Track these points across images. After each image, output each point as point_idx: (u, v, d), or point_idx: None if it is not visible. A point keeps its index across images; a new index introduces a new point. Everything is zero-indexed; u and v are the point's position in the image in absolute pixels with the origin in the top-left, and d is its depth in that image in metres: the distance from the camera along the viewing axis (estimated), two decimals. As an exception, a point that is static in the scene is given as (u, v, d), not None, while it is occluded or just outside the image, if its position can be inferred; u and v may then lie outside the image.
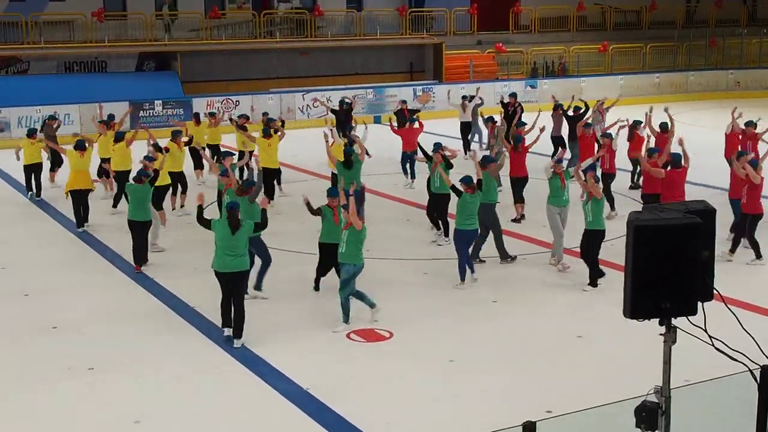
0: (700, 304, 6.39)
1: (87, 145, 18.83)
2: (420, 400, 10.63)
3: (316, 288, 14.56)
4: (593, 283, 14.50)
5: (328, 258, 13.90)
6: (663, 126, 19.95)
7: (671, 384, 6.61)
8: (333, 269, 14.11)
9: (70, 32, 35.64)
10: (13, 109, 30.77)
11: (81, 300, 14.50)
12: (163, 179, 17.66)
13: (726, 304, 6.84)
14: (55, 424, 10.17)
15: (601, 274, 14.53)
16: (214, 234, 12.40)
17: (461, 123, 27.14)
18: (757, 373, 6.91)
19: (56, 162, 22.68)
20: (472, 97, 27.18)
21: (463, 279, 14.69)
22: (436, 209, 17.49)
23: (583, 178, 14.64)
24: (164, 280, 15.24)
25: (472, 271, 14.87)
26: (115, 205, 20.01)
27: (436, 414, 10.28)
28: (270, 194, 19.80)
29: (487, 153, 20.03)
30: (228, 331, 12.51)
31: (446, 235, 17.00)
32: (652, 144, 19.69)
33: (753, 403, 7.06)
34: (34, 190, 21.57)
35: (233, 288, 12.33)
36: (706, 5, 48.38)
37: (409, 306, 13.91)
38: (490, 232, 15.80)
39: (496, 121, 22.83)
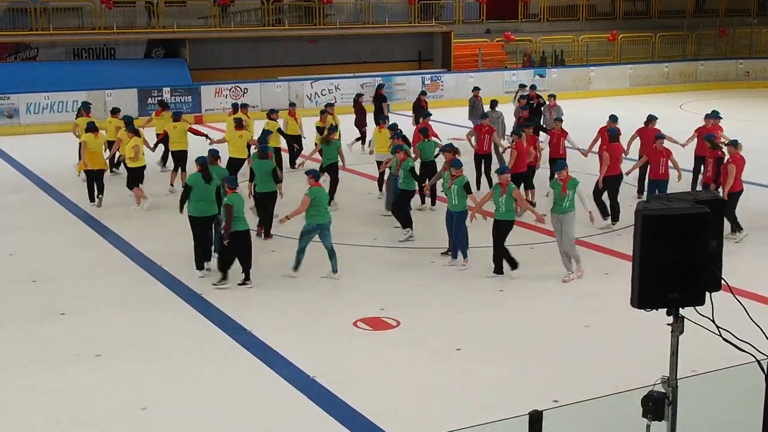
0: (707, 294, 6.37)
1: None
2: (426, 389, 10.64)
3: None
4: (498, 271, 14.62)
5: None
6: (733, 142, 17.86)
7: (678, 374, 6.60)
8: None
9: (79, 19, 35.67)
10: (22, 95, 30.83)
11: (89, 286, 14.54)
12: (140, 161, 18.97)
13: (734, 294, 6.82)
14: (63, 409, 10.20)
15: (501, 269, 14.59)
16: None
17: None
18: (765, 364, 6.89)
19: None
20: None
21: (465, 256, 15.09)
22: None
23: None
24: (171, 266, 15.26)
25: (465, 256, 15.15)
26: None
27: (443, 402, 10.29)
28: (131, 186, 19.73)
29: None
30: (201, 273, 14.47)
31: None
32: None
33: (760, 394, 7.04)
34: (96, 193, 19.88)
35: (207, 230, 14.55)
36: (716, -6, 48.27)
37: (416, 295, 13.92)
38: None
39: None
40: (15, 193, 21.48)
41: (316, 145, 20.66)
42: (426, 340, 12.09)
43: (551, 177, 19.36)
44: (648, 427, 6.66)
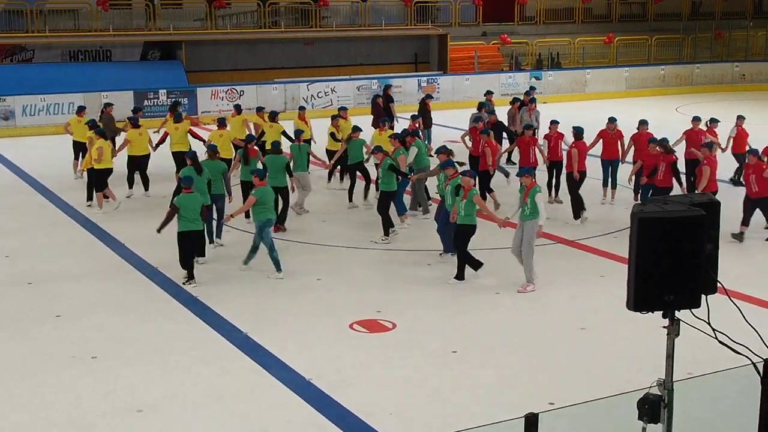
0: (703, 296, 6.38)
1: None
2: (423, 391, 10.64)
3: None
4: (459, 277, 14.47)
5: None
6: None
7: (674, 377, 6.61)
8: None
9: (75, 21, 35.66)
10: (18, 97, 30.81)
11: (85, 288, 14.52)
12: (105, 163, 18.86)
13: (730, 297, 6.83)
14: (59, 412, 10.18)
15: (463, 276, 14.49)
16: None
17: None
18: (761, 367, 6.90)
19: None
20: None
21: (447, 250, 15.32)
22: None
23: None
24: (166, 269, 15.25)
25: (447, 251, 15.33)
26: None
27: (439, 405, 10.29)
28: (130, 183, 20.27)
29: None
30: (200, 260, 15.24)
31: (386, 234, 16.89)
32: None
33: (756, 396, 7.06)
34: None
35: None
36: (712, -3, 48.34)
37: (412, 297, 13.92)
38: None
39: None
40: (10, 195, 21.45)
41: (327, 151, 20.68)
42: (422, 343, 12.09)
43: (549, 181, 19.54)
44: (644, 429, 6.66)
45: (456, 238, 14.51)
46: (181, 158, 20.08)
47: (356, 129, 19.94)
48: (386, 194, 16.93)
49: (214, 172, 16.25)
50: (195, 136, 21.30)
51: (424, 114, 25.21)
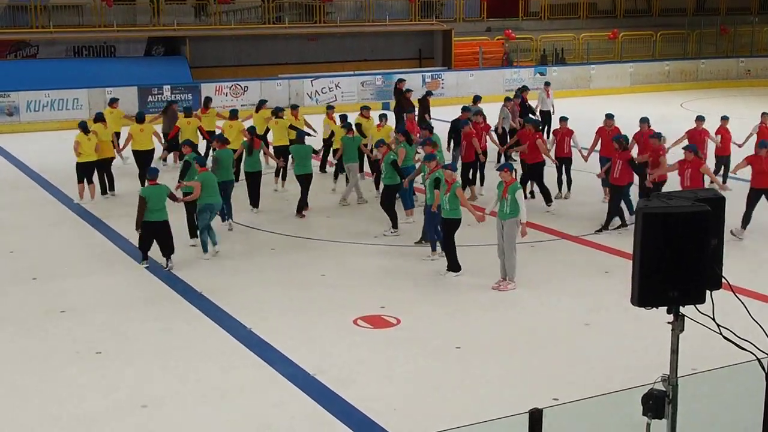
0: (708, 292, 6.37)
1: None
2: (426, 387, 10.63)
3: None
4: (452, 268, 14.54)
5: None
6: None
7: (678, 372, 6.59)
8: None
9: (79, 17, 35.71)
10: (22, 93, 30.84)
11: (89, 284, 14.53)
12: (85, 156, 19.38)
13: (734, 293, 6.82)
14: (63, 407, 10.20)
15: (457, 266, 14.50)
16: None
17: (541, 111, 26.46)
18: (765, 362, 6.88)
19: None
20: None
21: (434, 249, 15.36)
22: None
23: None
24: (173, 265, 15.25)
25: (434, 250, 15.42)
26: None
27: (443, 401, 10.29)
28: (142, 180, 20.13)
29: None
30: (193, 241, 16.09)
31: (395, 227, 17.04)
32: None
33: (760, 392, 7.04)
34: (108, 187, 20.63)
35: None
36: (717, -7, 48.27)
37: (416, 293, 13.91)
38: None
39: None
40: (15, 190, 21.48)
41: (336, 151, 20.72)
42: (426, 339, 12.09)
43: (559, 177, 19.47)
44: (648, 425, 6.66)
45: (443, 232, 14.60)
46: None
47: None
48: (388, 188, 16.96)
49: (225, 159, 17.10)
50: (203, 133, 21.67)
51: (424, 111, 25.26)
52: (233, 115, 21.40)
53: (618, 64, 41.33)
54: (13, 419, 9.94)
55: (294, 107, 22.97)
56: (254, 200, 18.79)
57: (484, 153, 19.90)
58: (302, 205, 18.38)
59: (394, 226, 16.91)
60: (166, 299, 13.80)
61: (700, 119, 20.18)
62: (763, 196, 16.40)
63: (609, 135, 19.01)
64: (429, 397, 10.37)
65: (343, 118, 20.52)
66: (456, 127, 20.45)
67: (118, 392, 10.55)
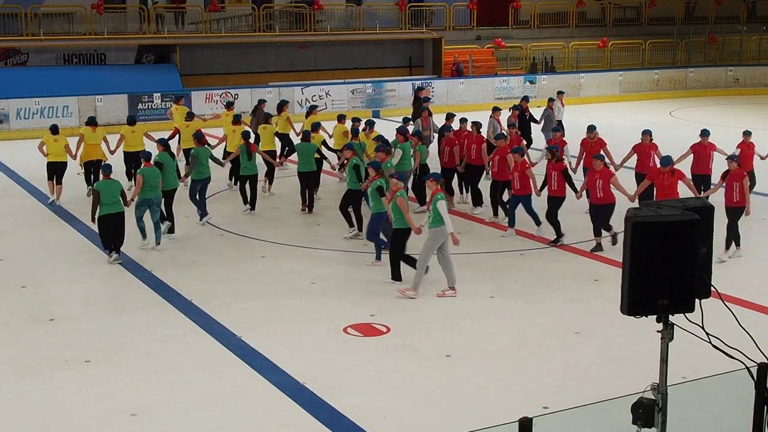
0: (697, 301, 6.39)
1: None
2: (416, 395, 10.63)
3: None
4: (393, 277, 14.61)
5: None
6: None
7: (668, 381, 6.61)
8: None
9: (70, 24, 35.65)
10: (12, 100, 30.79)
11: (78, 292, 14.50)
12: (52, 157, 20.24)
13: (723, 302, 6.84)
14: (52, 416, 10.16)
15: (397, 276, 14.58)
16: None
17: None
18: (754, 371, 6.91)
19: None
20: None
21: (377, 257, 15.49)
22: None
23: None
24: (160, 272, 15.24)
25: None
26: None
27: (433, 409, 10.29)
28: (129, 175, 21.23)
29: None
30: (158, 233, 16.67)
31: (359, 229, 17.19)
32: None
33: (749, 401, 7.06)
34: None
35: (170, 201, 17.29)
36: (706, 2, 48.47)
37: (406, 301, 13.90)
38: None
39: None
40: (4, 198, 21.43)
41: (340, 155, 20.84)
42: (416, 347, 12.09)
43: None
44: (638, 434, 6.67)
45: (391, 242, 14.68)
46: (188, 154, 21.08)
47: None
48: (350, 192, 17.09)
49: (202, 156, 18.08)
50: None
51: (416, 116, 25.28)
52: (236, 120, 21.66)
53: (607, 73, 41.45)
54: (2, 428, 9.90)
55: (312, 108, 23.49)
56: (252, 202, 19.21)
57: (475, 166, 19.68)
58: (304, 199, 19.18)
59: (351, 225, 17.21)
60: (155, 306, 13.77)
61: (704, 134, 19.05)
62: None
63: (591, 147, 18.93)
64: (419, 406, 10.36)
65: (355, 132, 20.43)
66: (441, 134, 20.47)
67: (108, 400, 10.52)
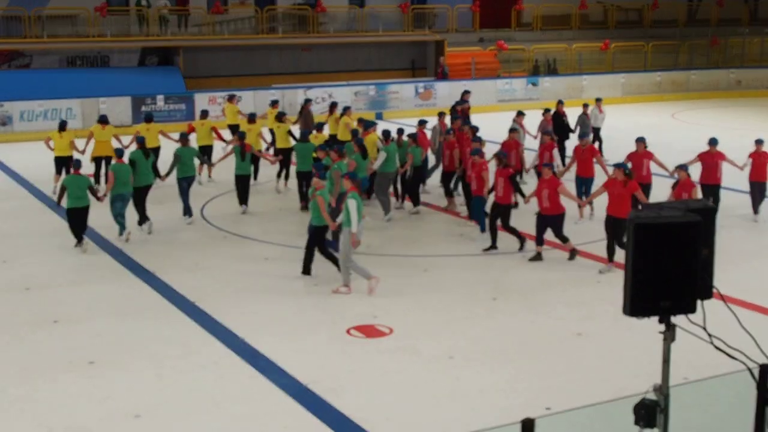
0: (699, 302, 6.41)
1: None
2: (419, 397, 10.65)
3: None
4: (303, 271, 14.98)
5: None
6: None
7: (670, 382, 6.63)
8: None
9: (73, 27, 35.69)
10: (16, 103, 30.82)
11: (82, 294, 14.53)
12: (62, 150, 21.29)
13: (725, 303, 6.86)
14: (55, 417, 10.19)
15: (307, 270, 14.92)
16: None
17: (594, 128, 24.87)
18: (756, 372, 6.93)
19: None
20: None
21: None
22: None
23: None
24: (164, 274, 15.28)
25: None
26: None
27: (436, 410, 10.31)
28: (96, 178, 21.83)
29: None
30: (124, 236, 17.27)
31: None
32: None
33: (751, 402, 7.08)
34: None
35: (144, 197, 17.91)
36: (708, 4, 48.44)
37: (409, 303, 13.94)
38: None
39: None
40: (8, 200, 21.47)
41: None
42: (419, 348, 12.11)
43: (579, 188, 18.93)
44: (640, 434, 6.69)
45: (309, 239, 14.90)
46: (205, 151, 22.44)
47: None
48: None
49: (187, 156, 18.85)
50: (216, 133, 22.92)
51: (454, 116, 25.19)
52: (251, 118, 22.57)
53: (610, 75, 41.44)
54: (5, 429, 9.94)
55: (346, 109, 23.79)
56: (244, 199, 19.58)
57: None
58: (303, 196, 19.36)
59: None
60: (158, 308, 13.80)
61: (712, 143, 18.36)
62: None
63: (583, 154, 18.76)
64: (421, 407, 10.39)
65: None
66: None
67: (111, 402, 10.54)
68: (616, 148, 19.88)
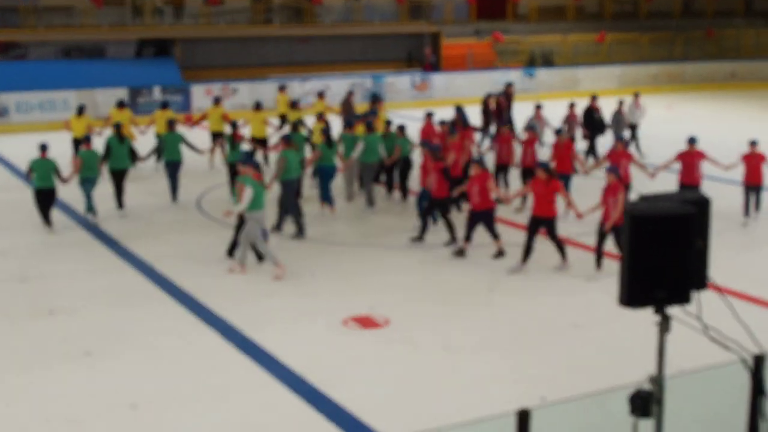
0: (694, 292, 6.45)
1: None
2: (415, 387, 10.69)
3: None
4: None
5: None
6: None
7: (665, 372, 6.67)
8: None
9: (69, 18, 35.61)
10: (12, 94, 30.78)
11: (78, 284, 14.55)
12: (80, 132, 21.79)
13: (720, 293, 6.90)
14: (52, 408, 10.22)
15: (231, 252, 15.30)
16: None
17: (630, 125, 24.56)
18: (750, 362, 6.97)
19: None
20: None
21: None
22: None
23: None
24: (161, 265, 15.29)
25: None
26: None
27: (431, 401, 10.35)
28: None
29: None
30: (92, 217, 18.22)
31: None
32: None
33: (745, 392, 7.13)
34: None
35: (122, 180, 18.81)
36: (704, -4, 48.44)
37: (405, 294, 13.97)
38: None
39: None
40: (4, 192, 21.46)
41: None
42: (415, 339, 12.14)
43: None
44: (635, 424, 6.73)
45: (239, 224, 15.16)
46: (216, 136, 23.11)
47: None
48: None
49: (172, 142, 19.75)
50: (226, 118, 23.09)
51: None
52: (258, 106, 23.30)
53: (605, 67, 41.46)
54: (1, 420, 9.96)
55: (376, 99, 23.98)
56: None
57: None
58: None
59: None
60: (155, 299, 13.82)
61: (691, 142, 17.58)
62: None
63: (562, 150, 18.34)
64: (417, 397, 10.43)
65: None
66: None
67: (108, 392, 10.57)
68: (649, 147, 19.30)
